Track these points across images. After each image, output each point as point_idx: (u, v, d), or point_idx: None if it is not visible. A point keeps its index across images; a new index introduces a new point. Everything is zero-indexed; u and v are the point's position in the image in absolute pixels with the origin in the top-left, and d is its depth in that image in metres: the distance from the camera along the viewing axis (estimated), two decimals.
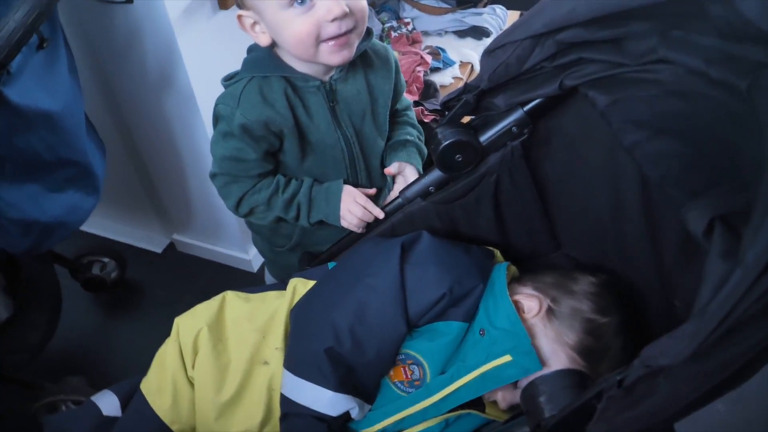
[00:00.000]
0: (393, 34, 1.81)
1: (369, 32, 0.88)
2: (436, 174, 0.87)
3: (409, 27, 1.84)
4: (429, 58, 1.67)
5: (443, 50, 1.76)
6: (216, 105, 0.90)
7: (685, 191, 0.57)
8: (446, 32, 1.91)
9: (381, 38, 1.83)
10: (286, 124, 0.86)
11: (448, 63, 1.74)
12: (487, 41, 1.88)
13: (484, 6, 1.94)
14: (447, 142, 0.82)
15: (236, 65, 0.94)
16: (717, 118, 0.60)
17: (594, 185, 0.82)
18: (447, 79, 1.71)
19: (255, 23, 0.82)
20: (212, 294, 0.88)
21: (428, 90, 1.60)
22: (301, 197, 0.93)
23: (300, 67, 0.86)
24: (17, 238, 1.03)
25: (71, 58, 1.17)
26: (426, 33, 1.89)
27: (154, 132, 1.55)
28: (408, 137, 1.03)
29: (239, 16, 0.83)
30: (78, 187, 1.12)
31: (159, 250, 1.90)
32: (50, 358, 1.48)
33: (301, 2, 0.75)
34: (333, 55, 0.80)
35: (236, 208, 0.95)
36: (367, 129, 0.95)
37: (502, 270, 0.80)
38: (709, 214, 0.52)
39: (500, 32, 1.97)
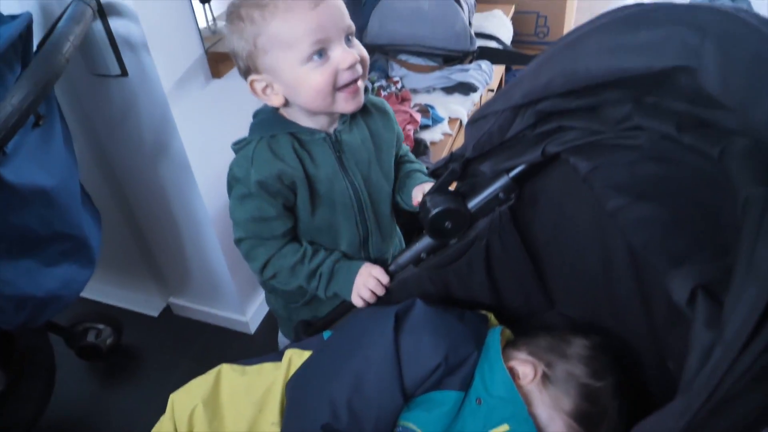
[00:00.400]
0: (383, 93, 1.85)
1: (366, 88, 0.92)
2: (426, 241, 0.89)
3: (398, 85, 1.89)
4: (419, 116, 1.71)
5: (432, 107, 1.80)
6: (230, 170, 0.92)
7: (667, 259, 0.58)
8: (434, 89, 1.96)
9: None
10: (297, 176, 0.88)
11: (437, 120, 1.78)
12: (474, 96, 1.93)
13: (470, 62, 2.00)
14: (436, 210, 0.83)
15: (229, 132, 0.96)
16: (695, 182, 0.61)
17: (583, 246, 0.83)
18: (437, 136, 1.74)
19: (267, 86, 0.85)
20: (209, 358, 0.88)
21: (419, 147, 1.63)
22: (324, 269, 0.95)
23: (305, 122, 0.90)
24: (10, 314, 1.03)
25: (66, 130, 1.20)
26: (414, 90, 1.94)
27: (151, 198, 1.57)
28: (412, 168, 1.05)
29: (251, 82, 0.86)
30: (73, 260, 1.13)
31: (155, 314, 1.89)
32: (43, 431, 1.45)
33: (320, 55, 0.80)
34: (348, 103, 0.85)
35: (261, 271, 0.96)
36: (374, 176, 0.97)
37: (496, 335, 0.80)
38: (691, 283, 0.52)
39: (486, 86, 2.03)
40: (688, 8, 0.55)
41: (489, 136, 0.79)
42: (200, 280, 1.75)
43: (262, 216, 0.90)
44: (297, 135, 0.90)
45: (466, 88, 1.92)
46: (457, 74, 1.93)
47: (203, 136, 1.43)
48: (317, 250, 0.96)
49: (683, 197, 0.62)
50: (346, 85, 0.83)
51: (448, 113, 1.84)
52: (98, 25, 1.21)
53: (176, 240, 1.65)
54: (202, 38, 1.37)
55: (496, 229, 0.87)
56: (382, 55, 2.02)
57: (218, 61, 1.42)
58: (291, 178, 0.88)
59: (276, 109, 0.91)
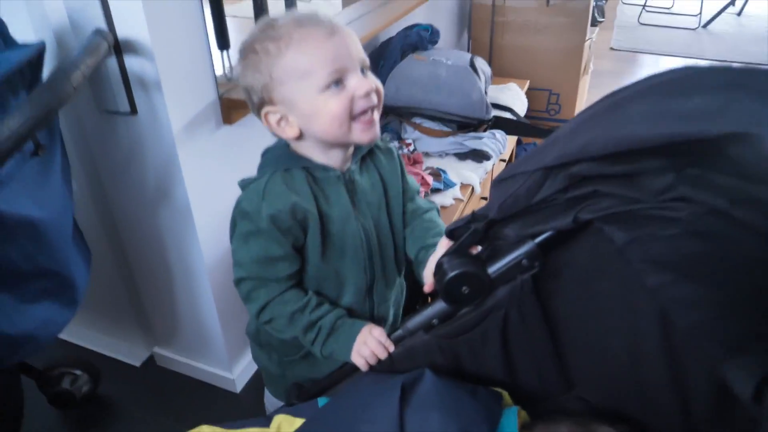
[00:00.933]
0: None
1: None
2: (440, 306, 0.82)
3: (411, 147, 1.87)
4: (430, 179, 1.67)
5: (444, 171, 1.77)
6: (238, 205, 0.89)
7: (722, 345, 0.51)
8: (447, 154, 1.93)
9: None
10: (311, 211, 0.86)
11: (449, 184, 1.74)
12: (487, 164, 1.90)
13: (484, 130, 1.98)
14: (453, 273, 0.77)
15: (235, 181, 0.91)
16: (749, 262, 0.55)
17: (609, 324, 0.76)
18: (448, 200, 1.70)
19: (282, 119, 0.84)
20: (190, 415, 0.80)
21: None
22: (325, 322, 0.89)
23: (319, 158, 0.88)
24: None
25: (66, 164, 1.15)
26: (427, 154, 1.91)
27: (146, 242, 1.50)
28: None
29: (266, 114, 0.85)
30: (54, 299, 1.05)
31: (137, 364, 1.79)
32: None
33: (337, 84, 0.80)
34: (364, 134, 0.83)
35: (258, 314, 0.91)
36: (383, 220, 0.95)
37: (512, 417, 0.72)
38: (757, 376, 0.45)
39: (499, 155, 2.01)
40: (745, 72, 0.51)
41: (516, 198, 0.74)
42: (188, 332, 1.66)
43: (268, 256, 0.86)
44: (311, 171, 0.88)
45: (479, 156, 1.90)
46: (470, 141, 1.91)
47: (208, 183, 1.38)
48: (321, 302, 0.91)
49: (735, 278, 0.56)
50: (362, 114, 0.82)
51: (460, 179, 1.80)
52: (112, 60, 1.19)
53: (168, 288, 1.57)
54: (217, 83, 1.35)
55: (517, 299, 0.80)
56: (396, 117, 2.01)
57: (231, 107, 1.39)
58: (304, 213, 0.85)
59: (287, 146, 0.90)
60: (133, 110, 1.26)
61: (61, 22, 1.17)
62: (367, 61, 0.84)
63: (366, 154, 0.93)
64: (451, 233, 0.83)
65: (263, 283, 0.88)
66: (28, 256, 0.97)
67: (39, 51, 0.94)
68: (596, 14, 3.30)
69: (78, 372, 1.61)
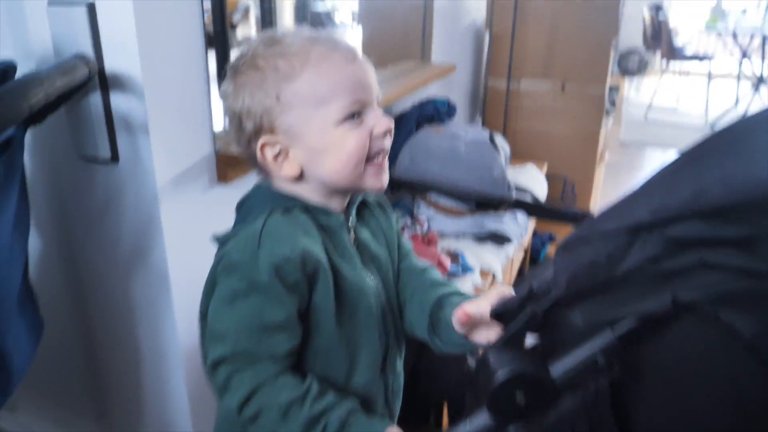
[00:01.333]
0: (407, 232, 1.64)
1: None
2: (483, 421, 0.60)
3: (425, 227, 1.69)
4: (447, 262, 1.48)
5: (461, 254, 1.58)
6: (223, 257, 0.69)
7: None
8: (464, 235, 1.75)
9: None
10: (323, 259, 0.69)
11: (467, 269, 1.54)
12: (508, 248, 1.72)
13: (504, 211, 1.82)
14: (505, 376, 0.57)
15: None
16: None
17: None
18: (467, 287, 1.49)
19: (281, 153, 0.70)
20: None
21: None
22: (333, 418, 0.65)
23: (318, 202, 0.73)
24: None
25: (25, 214, 0.96)
26: (442, 234, 1.73)
27: (116, 315, 1.28)
28: (444, 293, 0.80)
29: (262, 146, 0.70)
30: None
31: None
32: None
33: (354, 117, 0.68)
34: (376, 179, 0.72)
35: (241, 406, 0.67)
36: (390, 279, 0.80)
37: None
38: None
39: (520, 240, 1.83)
40: None
41: (592, 269, 0.56)
42: (153, 424, 1.40)
43: (264, 322, 0.66)
44: (313, 214, 0.72)
45: (499, 239, 1.72)
46: (490, 222, 1.74)
47: (192, 249, 1.17)
48: (325, 390, 0.68)
49: None
50: (377, 155, 0.71)
51: (479, 263, 1.61)
52: (96, 98, 1.02)
53: (134, 374, 1.33)
54: (214, 135, 1.19)
55: (587, 414, 0.59)
56: (409, 192, 1.84)
57: (228, 164, 1.22)
58: (315, 265, 0.67)
59: (272, 187, 0.74)
60: (114, 157, 1.08)
61: (45, 48, 1.02)
62: (381, 97, 0.73)
63: (360, 207, 0.79)
64: (499, 316, 0.63)
65: (251, 362, 0.66)
66: None
67: (5, 69, 0.78)
68: (607, 104, 3.25)
69: None
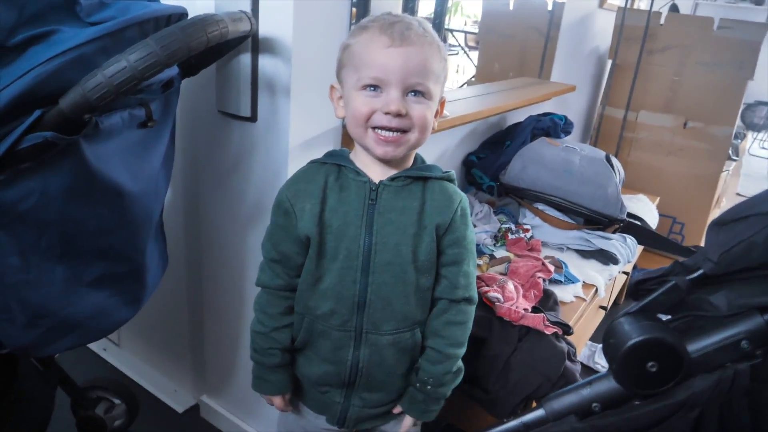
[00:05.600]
0: (510, 236, 1.63)
1: (451, 178, 0.93)
2: (607, 385, 0.59)
3: (528, 234, 1.66)
4: (552, 268, 1.44)
5: (565, 264, 1.54)
6: None
7: None
8: (567, 248, 1.70)
9: (496, 237, 1.65)
10: (312, 197, 0.89)
11: (570, 279, 1.50)
12: (613, 269, 1.65)
13: (614, 231, 1.75)
14: (637, 339, 0.55)
15: None
16: None
17: None
18: (568, 296, 1.45)
19: (341, 97, 0.89)
20: None
21: (547, 301, 1.35)
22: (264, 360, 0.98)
23: (359, 164, 0.91)
24: (18, 328, 0.79)
25: (171, 154, 1.04)
26: (545, 244, 1.70)
27: (226, 270, 1.35)
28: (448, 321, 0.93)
29: (332, 86, 0.91)
30: (116, 291, 0.90)
31: (180, 410, 1.59)
32: None
33: (373, 89, 0.83)
34: (376, 146, 0.85)
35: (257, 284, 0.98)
36: (403, 250, 0.88)
37: None
38: None
39: (627, 263, 1.75)
40: None
41: (749, 247, 0.53)
42: (243, 386, 1.45)
43: (273, 240, 0.93)
44: (343, 169, 0.90)
45: (605, 257, 1.66)
46: (598, 240, 1.68)
47: None
48: (273, 351, 0.96)
49: None
50: (380, 129, 0.84)
51: (582, 277, 1.56)
52: (246, 58, 1.10)
53: (234, 330, 1.39)
54: None
55: (721, 397, 0.56)
56: (515, 199, 1.82)
57: (350, 137, 1.26)
58: (303, 202, 0.88)
59: (344, 151, 0.95)
60: (254, 116, 1.15)
61: (206, 7, 1.11)
62: (423, 87, 0.83)
63: (418, 179, 0.90)
64: (637, 285, 0.61)
65: (265, 268, 0.96)
66: (103, 229, 0.84)
67: (179, 13, 0.86)
68: (730, 151, 3.07)
69: (116, 401, 1.43)
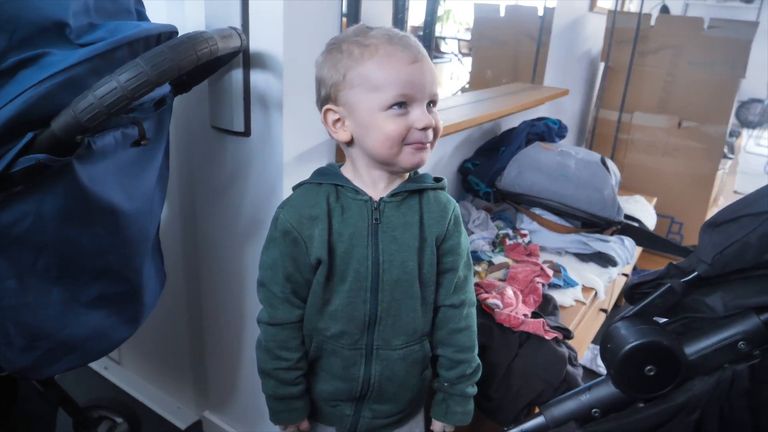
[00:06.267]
0: (508, 241, 1.63)
1: (443, 186, 0.93)
2: (606, 390, 0.59)
3: (526, 239, 1.66)
4: (550, 272, 1.44)
5: (563, 268, 1.54)
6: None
7: None
8: (566, 252, 1.71)
9: (494, 244, 1.65)
10: (319, 223, 0.86)
11: (569, 283, 1.50)
12: (612, 271, 1.65)
13: (611, 234, 1.75)
14: (635, 343, 0.55)
15: None
16: None
17: None
18: (568, 300, 1.45)
19: (339, 120, 0.86)
20: None
21: (547, 306, 1.35)
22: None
23: (359, 176, 0.89)
24: (16, 350, 0.79)
25: (165, 172, 1.05)
26: (543, 248, 1.70)
27: (226, 285, 1.35)
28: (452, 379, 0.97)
29: (326, 111, 0.86)
30: (114, 310, 0.90)
31: (183, 426, 1.58)
32: None
33: (400, 106, 0.81)
34: (413, 156, 0.84)
35: (258, 322, 0.95)
36: (409, 266, 0.89)
37: None
38: None
39: (625, 265, 1.75)
40: None
41: (743, 248, 0.53)
42: (246, 401, 1.45)
43: (274, 266, 0.90)
44: (340, 189, 0.89)
45: (604, 260, 1.66)
46: (596, 243, 1.68)
47: None
48: (301, 376, 0.94)
49: None
50: (415, 143, 0.83)
51: (581, 280, 1.56)
52: (237, 74, 1.11)
53: (235, 344, 1.39)
54: None
55: (721, 398, 0.56)
56: (513, 204, 1.83)
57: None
58: (311, 228, 0.86)
59: (334, 167, 0.93)
60: (247, 131, 1.16)
61: (197, 24, 1.12)
62: (437, 97, 0.85)
63: (414, 192, 0.90)
64: (632, 289, 0.61)
65: (268, 297, 0.92)
66: (100, 250, 0.84)
67: (169, 32, 0.86)
68: (726, 149, 3.08)
69: (119, 419, 1.43)
